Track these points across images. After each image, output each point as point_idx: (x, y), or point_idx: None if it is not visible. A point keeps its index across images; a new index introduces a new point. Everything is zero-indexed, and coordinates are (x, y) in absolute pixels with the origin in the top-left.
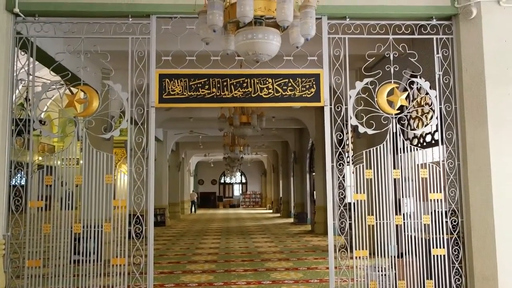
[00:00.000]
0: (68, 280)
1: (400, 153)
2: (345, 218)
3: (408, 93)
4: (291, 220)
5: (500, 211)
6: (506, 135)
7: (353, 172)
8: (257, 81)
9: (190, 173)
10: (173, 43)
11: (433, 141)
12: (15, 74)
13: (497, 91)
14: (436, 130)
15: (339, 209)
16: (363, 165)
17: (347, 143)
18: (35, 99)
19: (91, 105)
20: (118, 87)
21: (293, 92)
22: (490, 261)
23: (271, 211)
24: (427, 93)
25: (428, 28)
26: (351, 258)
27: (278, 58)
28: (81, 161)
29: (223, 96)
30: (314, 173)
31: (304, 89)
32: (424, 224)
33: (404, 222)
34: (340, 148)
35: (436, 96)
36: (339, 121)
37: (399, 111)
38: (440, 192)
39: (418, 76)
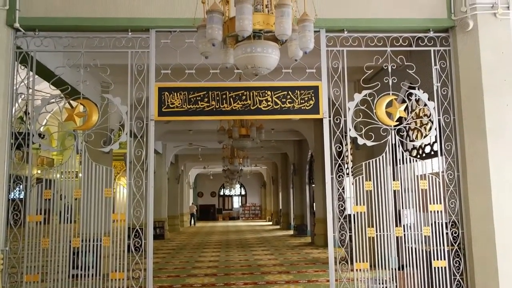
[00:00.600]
0: None
1: (400, 164)
2: (345, 230)
3: (407, 105)
4: (291, 232)
5: (501, 222)
6: (505, 146)
7: (352, 184)
8: (256, 94)
9: (190, 185)
10: (172, 56)
11: (432, 152)
12: (15, 88)
13: (495, 102)
14: (435, 141)
15: (339, 221)
16: (362, 177)
17: (346, 154)
18: (34, 113)
19: (91, 119)
20: (117, 101)
21: (292, 105)
22: (491, 273)
23: (270, 223)
24: (425, 105)
25: (426, 40)
26: (352, 270)
27: (277, 70)
28: (80, 174)
29: (222, 109)
30: (313, 185)
31: (303, 101)
32: (425, 236)
33: (404, 234)
34: (339, 160)
35: (434, 108)
36: (338, 133)
37: (398, 123)
38: (440, 203)
39: (417, 88)
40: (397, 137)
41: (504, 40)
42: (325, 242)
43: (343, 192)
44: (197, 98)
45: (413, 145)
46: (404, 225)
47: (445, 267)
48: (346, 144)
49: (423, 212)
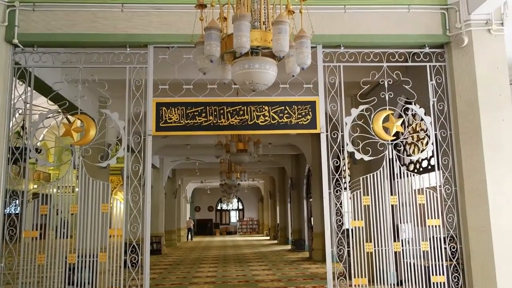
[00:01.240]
0: None
1: (397, 179)
2: (344, 245)
3: (403, 120)
4: (289, 247)
5: (499, 237)
6: (501, 160)
7: (350, 198)
8: (254, 109)
9: (187, 200)
10: (170, 72)
11: (429, 167)
12: (12, 103)
13: (491, 117)
14: (432, 156)
15: (337, 236)
16: (360, 192)
17: (344, 169)
18: (32, 128)
19: (88, 134)
20: (115, 116)
21: (289, 119)
22: None
23: (268, 237)
24: (422, 119)
25: (421, 56)
26: (350, 286)
27: (274, 85)
28: (76, 189)
29: (220, 124)
30: (311, 199)
31: (300, 116)
32: (423, 251)
33: (402, 249)
34: (337, 175)
35: (431, 122)
36: (335, 147)
37: (395, 137)
38: (438, 218)
39: (413, 103)
40: (394, 152)
41: (499, 55)
42: (323, 257)
43: (341, 206)
44: (195, 113)
45: (410, 159)
46: (402, 240)
47: (444, 283)
48: (344, 159)
49: (421, 227)
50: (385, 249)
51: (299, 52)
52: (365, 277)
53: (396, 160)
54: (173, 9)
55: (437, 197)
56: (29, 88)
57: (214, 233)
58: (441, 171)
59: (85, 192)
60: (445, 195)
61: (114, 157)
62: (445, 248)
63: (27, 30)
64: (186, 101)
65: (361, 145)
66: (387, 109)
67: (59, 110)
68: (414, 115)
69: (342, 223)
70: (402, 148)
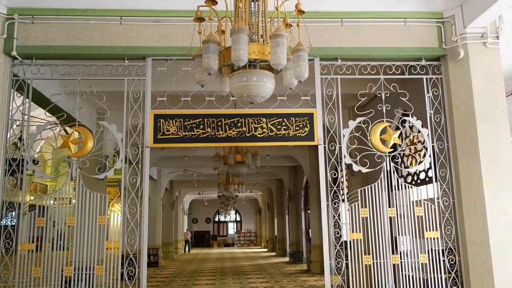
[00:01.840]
0: None
1: (395, 190)
2: (342, 257)
3: (401, 132)
4: (287, 259)
5: (498, 249)
6: (499, 172)
7: (348, 210)
8: (251, 121)
9: (184, 211)
10: (168, 84)
11: (427, 179)
12: (10, 114)
13: (488, 129)
14: (430, 168)
15: (335, 248)
16: (358, 204)
17: (342, 181)
18: (29, 140)
19: (86, 146)
20: (113, 128)
21: (287, 131)
22: None
23: (266, 249)
24: (419, 131)
25: (418, 69)
26: None
27: (272, 98)
28: (73, 201)
29: (218, 136)
30: (309, 211)
31: (298, 128)
32: (422, 263)
33: (401, 262)
34: (335, 187)
35: (428, 135)
36: (333, 159)
37: (392, 149)
38: (436, 230)
39: (410, 115)
40: (392, 164)
41: (495, 68)
42: (322, 269)
43: (339, 218)
44: (193, 125)
45: (408, 171)
46: (400, 252)
47: None
48: (342, 171)
49: (419, 239)
50: (384, 262)
51: (296, 65)
52: None
53: (393, 172)
54: (171, 22)
55: (435, 209)
56: (27, 100)
57: (211, 245)
58: (438, 183)
59: (82, 204)
60: (443, 207)
61: (112, 169)
62: (444, 260)
63: (26, 43)
64: (184, 113)
65: (358, 157)
66: (385, 121)
67: (57, 122)
68: (411, 127)
69: (340, 235)
70: (399, 160)
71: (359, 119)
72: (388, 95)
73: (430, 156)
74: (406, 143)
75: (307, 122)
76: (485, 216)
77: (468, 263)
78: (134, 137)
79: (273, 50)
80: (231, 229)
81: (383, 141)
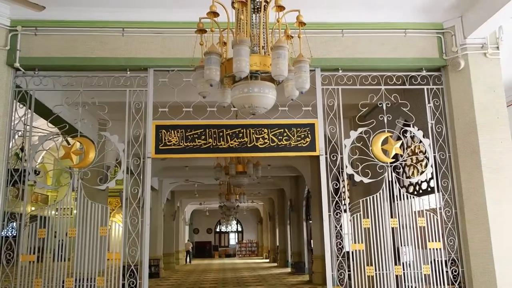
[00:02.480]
0: None
1: (397, 201)
2: (344, 268)
3: (402, 142)
4: (289, 269)
5: (501, 260)
6: (501, 182)
7: (350, 220)
8: (253, 131)
9: (185, 222)
10: (170, 94)
11: (429, 189)
12: (12, 124)
13: (489, 139)
14: (432, 178)
15: (338, 259)
16: (360, 214)
17: (343, 191)
18: (31, 151)
19: (88, 157)
20: (114, 138)
21: (288, 142)
22: None
23: (267, 260)
24: (420, 142)
25: (419, 79)
26: None
27: (273, 108)
28: (75, 211)
29: (219, 146)
30: (310, 221)
31: (300, 138)
32: (424, 274)
33: (404, 273)
34: (336, 197)
35: (429, 145)
36: (334, 170)
37: (394, 160)
38: (439, 240)
39: (411, 125)
40: (394, 174)
41: (495, 78)
42: (324, 280)
43: (341, 229)
44: (194, 135)
45: (410, 181)
46: (403, 263)
47: None
48: (343, 181)
49: (422, 250)
50: (386, 273)
51: (298, 77)
52: None
53: (395, 182)
54: (173, 33)
55: (437, 219)
56: (29, 111)
57: (213, 255)
58: (440, 193)
59: (83, 215)
60: (445, 218)
61: (113, 180)
62: (447, 271)
63: (29, 54)
64: (185, 123)
65: (360, 167)
66: (386, 131)
67: (59, 133)
68: (412, 137)
69: (343, 246)
70: (401, 170)
71: (360, 129)
72: (389, 105)
73: (431, 166)
74: (408, 153)
75: (309, 132)
76: (488, 227)
77: (472, 274)
78: (136, 147)
79: (275, 62)
80: (233, 239)
81: (385, 151)
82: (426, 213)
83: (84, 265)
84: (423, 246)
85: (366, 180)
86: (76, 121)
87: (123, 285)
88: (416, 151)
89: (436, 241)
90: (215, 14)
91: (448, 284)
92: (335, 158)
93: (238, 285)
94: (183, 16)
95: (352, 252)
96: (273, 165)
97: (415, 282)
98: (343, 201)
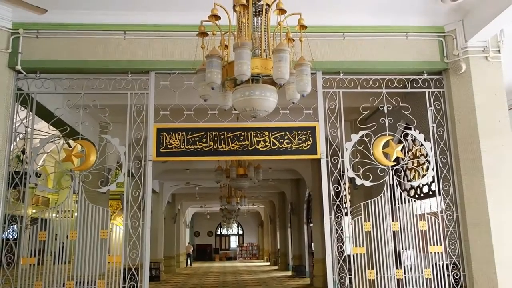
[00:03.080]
0: None
1: (398, 204)
2: (345, 272)
3: (403, 145)
4: (289, 273)
5: (503, 264)
6: (502, 186)
7: (351, 224)
8: (254, 134)
9: (186, 225)
10: (171, 97)
11: (430, 192)
12: (14, 126)
13: (490, 143)
14: (433, 181)
15: (339, 262)
16: (361, 218)
17: (344, 194)
18: (32, 154)
19: (89, 159)
20: (116, 141)
21: (289, 145)
22: None
23: (268, 263)
24: (422, 145)
25: (420, 82)
26: None
27: (274, 111)
28: (75, 214)
29: (220, 149)
30: (311, 224)
31: (301, 141)
32: (426, 278)
33: (405, 276)
34: (337, 200)
35: (431, 148)
36: (336, 173)
37: (395, 163)
38: (440, 244)
39: (413, 128)
40: (395, 177)
41: (497, 82)
42: (324, 283)
43: (342, 232)
44: (195, 138)
45: (411, 185)
46: (404, 267)
47: None
48: (344, 184)
49: (423, 253)
50: (388, 277)
51: (299, 80)
52: None
53: (396, 186)
54: (175, 36)
55: (438, 223)
56: (30, 113)
57: (213, 258)
58: (442, 196)
59: (84, 218)
60: (446, 221)
61: (114, 182)
62: (448, 275)
63: (30, 57)
64: (186, 126)
65: (361, 171)
66: (387, 134)
67: (60, 135)
68: (414, 141)
69: (344, 250)
70: (402, 173)
71: (361, 133)
72: (390, 108)
73: (433, 169)
74: (409, 157)
75: (310, 135)
76: (489, 230)
77: (473, 278)
78: (137, 150)
79: (276, 65)
80: (233, 242)
81: (386, 155)
82: (427, 216)
83: (85, 268)
84: (424, 249)
85: (367, 184)
86: (77, 124)
87: None
88: (417, 154)
89: (437, 244)
90: (217, 17)
91: None
92: (336, 161)
93: None
94: (184, 19)
95: (353, 256)
96: (274, 168)
97: (416, 286)
98: (344, 204)
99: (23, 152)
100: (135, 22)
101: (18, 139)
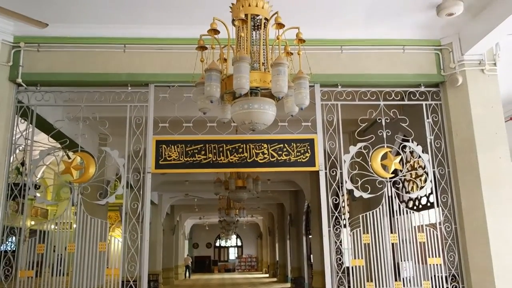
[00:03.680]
0: None
1: (396, 216)
2: (344, 284)
3: (401, 157)
4: (288, 285)
5: (502, 276)
6: (500, 198)
7: (350, 236)
8: (253, 147)
9: (185, 236)
10: (170, 110)
11: (428, 204)
12: (13, 138)
13: (488, 155)
14: (431, 193)
15: (338, 275)
16: (360, 230)
17: (343, 205)
18: (32, 166)
19: (88, 172)
20: (115, 153)
21: (288, 157)
22: None
23: (267, 275)
24: (419, 157)
25: (417, 95)
26: None
27: (273, 123)
28: (74, 225)
29: (219, 162)
30: (310, 236)
31: (299, 153)
32: None
33: None
34: (336, 212)
35: (428, 160)
36: (334, 185)
37: (393, 175)
38: (439, 256)
39: (410, 140)
40: (393, 189)
41: (493, 95)
42: None
43: (341, 244)
44: (194, 150)
45: (409, 197)
46: (403, 279)
47: None
48: (343, 196)
49: (422, 265)
50: None
51: (297, 93)
52: None
53: (395, 197)
54: (174, 49)
55: (437, 235)
56: (30, 126)
57: (212, 270)
58: (440, 208)
59: (82, 230)
60: (445, 233)
61: (113, 195)
62: (447, 287)
63: (31, 70)
64: (185, 138)
65: (360, 183)
66: (385, 146)
67: (60, 147)
68: (411, 153)
69: (342, 262)
70: (400, 185)
71: (359, 145)
72: (388, 120)
73: (431, 181)
74: (407, 169)
75: (308, 147)
76: (488, 242)
77: None
78: (136, 162)
79: (274, 78)
80: (232, 254)
81: (384, 167)
82: (426, 228)
83: (83, 280)
84: (423, 261)
85: (365, 195)
86: (77, 136)
87: None
88: (416, 166)
89: (436, 256)
90: (216, 31)
91: None
92: (334, 173)
93: None
94: (184, 33)
95: (352, 268)
96: (273, 179)
97: None
98: (342, 216)
99: (23, 164)
100: (135, 36)
101: (17, 151)
